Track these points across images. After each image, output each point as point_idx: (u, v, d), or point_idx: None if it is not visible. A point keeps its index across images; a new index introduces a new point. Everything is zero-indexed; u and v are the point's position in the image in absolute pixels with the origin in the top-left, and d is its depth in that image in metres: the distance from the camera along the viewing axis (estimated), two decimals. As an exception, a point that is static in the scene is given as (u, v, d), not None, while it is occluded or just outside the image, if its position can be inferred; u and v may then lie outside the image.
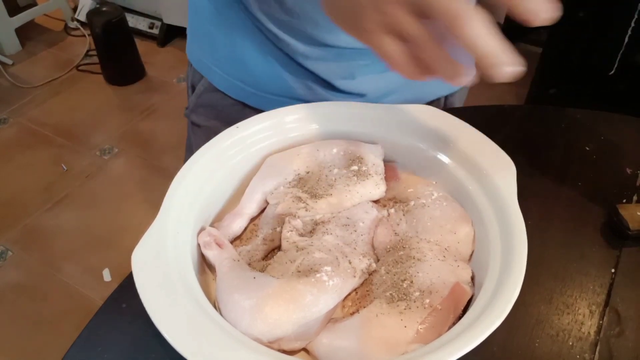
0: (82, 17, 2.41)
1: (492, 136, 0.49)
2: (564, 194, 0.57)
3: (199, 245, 0.44)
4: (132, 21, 2.35)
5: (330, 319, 0.42)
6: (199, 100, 0.70)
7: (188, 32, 0.68)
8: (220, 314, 0.39)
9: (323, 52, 0.58)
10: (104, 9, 2.02)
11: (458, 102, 0.73)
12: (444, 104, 0.70)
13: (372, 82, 0.62)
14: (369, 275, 0.44)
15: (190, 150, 0.77)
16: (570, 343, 0.45)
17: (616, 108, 0.70)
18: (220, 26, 0.61)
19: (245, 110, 0.66)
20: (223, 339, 0.36)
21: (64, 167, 1.81)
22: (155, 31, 2.38)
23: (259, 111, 0.65)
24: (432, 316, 0.39)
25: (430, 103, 0.66)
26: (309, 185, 0.49)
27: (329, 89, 0.62)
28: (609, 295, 0.48)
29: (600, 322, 0.46)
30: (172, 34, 2.40)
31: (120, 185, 1.77)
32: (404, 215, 0.48)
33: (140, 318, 0.37)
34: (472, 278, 0.43)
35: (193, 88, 0.71)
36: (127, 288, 0.46)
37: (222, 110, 0.68)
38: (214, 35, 0.63)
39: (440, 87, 0.65)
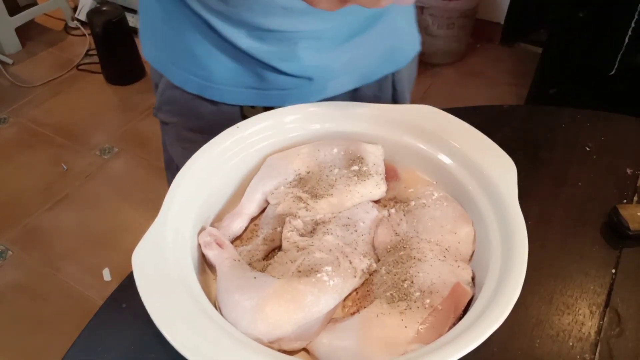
0: (82, 16, 2.40)
1: (492, 136, 0.49)
2: (564, 194, 0.57)
3: (199, 245, 0.44)
4: (133, 21, 2.34)
5: (331, 319, 0.42)
6: (162, 98, 0.71)
7: (141, 32, 0.69)
8: (221, 313, 0.39)
9: (262, 37, 0.59)
10: (104, 8, 2.01)
11: (407, 80, 0.73)
12: (393, 81, 0.70)
13: (316, 65, 0.62)
14: (370, 275, 0.44)
15: (165, 149, 0.78)
16: (571, 343, 0.45)
17: (616, 108, 0.70)
18: (168, 23, 0.63)
19: (203, 103, 0.66)
20: (223, 339, 0.36)
21: (64, 167, 1.81)
22: (156, 31, 2.37)
23: (216, 103, 0.66)
24: (432, 316, 0.39)
25: (379, 81, 0.67)
26: (309, 185, 0.49)
27: (277, 73, 0.62)
28: (609, 295, 0.48)
29: (601, 322, 0.46)
30: (172, 34, 2.40)
31: (120, 185, 1.77)
32: (404, 215, 0.48)
33: (140, 318, 0.37)
34: (473, 278, 0.43)
35: (157, 86, 0.73)
36: (127, 288, 0.46)
37: (183, 106, 0.69)
38: (164, 33, 0.64)
39: (385, 65, 0.66)
